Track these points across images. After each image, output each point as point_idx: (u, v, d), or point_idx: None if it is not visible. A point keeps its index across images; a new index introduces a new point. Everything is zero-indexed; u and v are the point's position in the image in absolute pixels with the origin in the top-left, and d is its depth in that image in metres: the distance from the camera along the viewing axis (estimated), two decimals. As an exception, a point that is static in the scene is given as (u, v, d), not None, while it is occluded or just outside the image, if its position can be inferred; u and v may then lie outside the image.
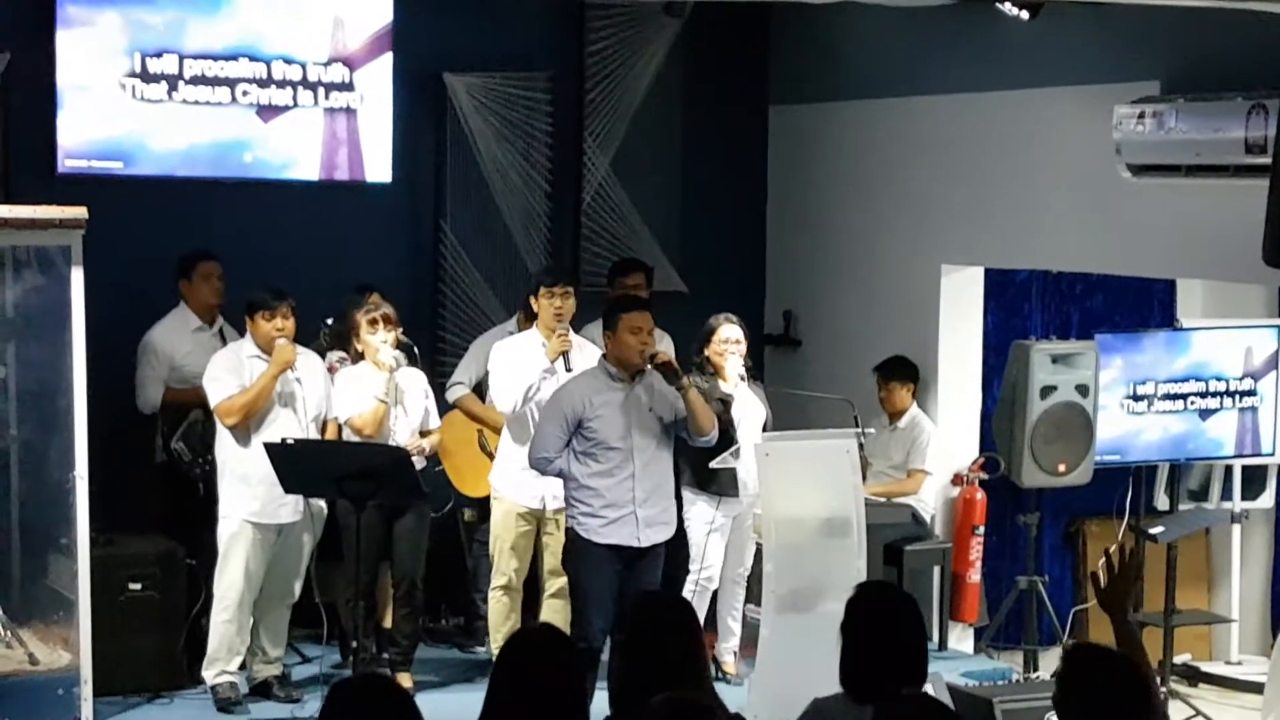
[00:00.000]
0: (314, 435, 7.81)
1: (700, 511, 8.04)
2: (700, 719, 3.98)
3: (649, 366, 7.30)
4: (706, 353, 8.06)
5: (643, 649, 4.46)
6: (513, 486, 7.89)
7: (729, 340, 8.02)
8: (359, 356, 7.99)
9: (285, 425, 7.71)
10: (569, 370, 7.65)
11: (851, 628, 4.53)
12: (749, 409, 8.05)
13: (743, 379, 8.06)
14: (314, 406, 7.84)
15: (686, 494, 8.07)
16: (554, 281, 7.93)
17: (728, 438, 7.80)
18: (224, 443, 7.80)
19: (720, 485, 7.99)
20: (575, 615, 7.38)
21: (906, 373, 9.27)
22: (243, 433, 7.71)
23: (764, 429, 8.04)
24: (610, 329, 7.34)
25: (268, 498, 7.69)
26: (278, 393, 7.74)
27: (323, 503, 7.92)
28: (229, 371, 7.75)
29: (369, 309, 7.96)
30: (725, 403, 7.86)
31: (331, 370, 8.27)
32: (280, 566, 7.88)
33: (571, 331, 7.91)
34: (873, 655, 4.47)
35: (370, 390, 7.82)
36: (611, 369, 7.30)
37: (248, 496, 7.72)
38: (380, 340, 7.86)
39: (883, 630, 4.51)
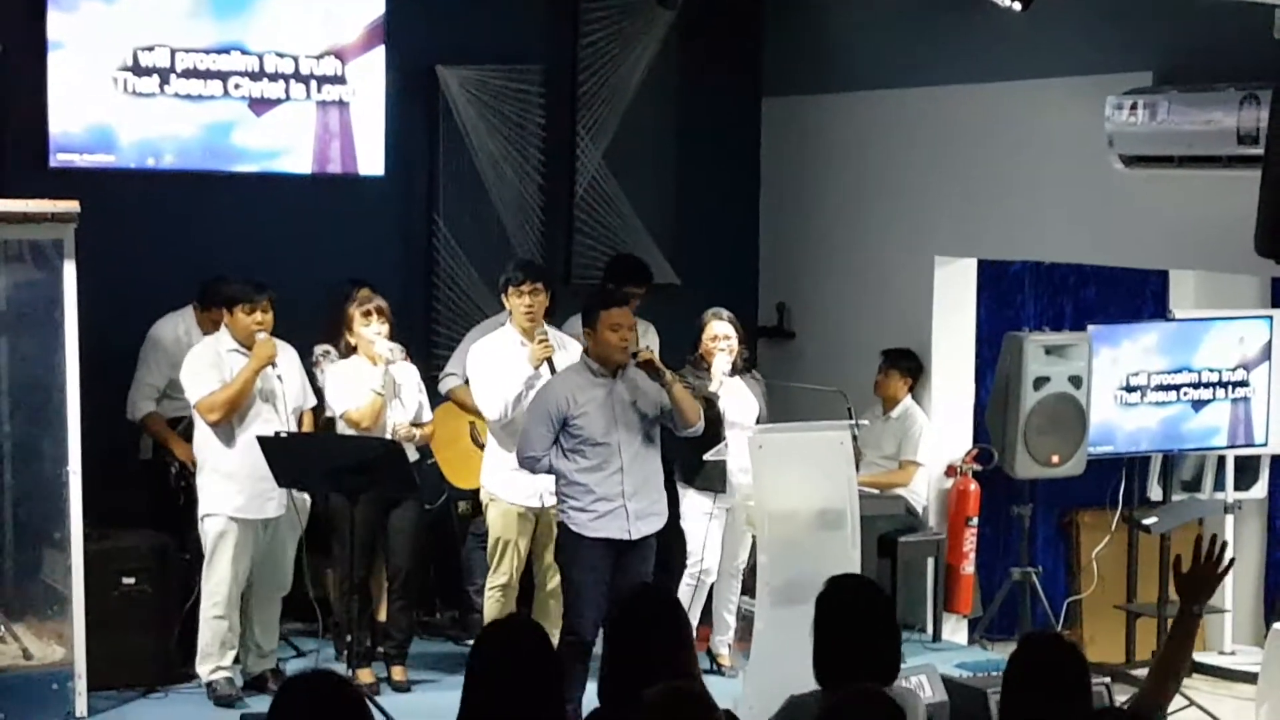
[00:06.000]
0: (293, 428, 7.78)
1: (695, 504, 8.05)
2: (696, 708, 3.99)
3: (631, 363, 7.30)
4: (699, 350, 8.06)
5: (629, 641, 4.48)
6: (508, 488, 7.86)
7: (718, 337, 8.02)
8: (350, 350, 7.98)
9: (268, 420, 7.67)
10: (555, 374, 7.65)
11: (822, 622, 4.52)
12: (741, 404, 8.05)
13: (738, 373, 8.06)
14: (292, 399, 7.81)
15: (679, 488, 8.08)
16: (523, 279, 7.92)
17: (715, 434, 7.82)
18: (205, 440, 7.72)
19: (710, 481, 7.99)
20: (567, 608, 7.40)
21: (907, 365, 9.26)
22: (225, 429, 7.67)
23: (758, 423, 8.04)
24: (590, 326, 7.32)
25: (253, 493, 7.65)
26: (258, 389, 7.69)
27: (305, 495, 7.91)
28: (210, 367, 7.68)
29: (362, 301, 7.94)
30: (710, 401, 7.87)
31: (315, 364, 8.28)
32: (269, 560, 7.85)
33: (552, 330, 7.92)
34: (845, 649, 4.47)
35: (366, 383, 7.81)
36: (593, 365, 7.29)
37: (232, 492, 7.67)
38: (374, 333, 7.85)
39: (854, 624, 4.51)
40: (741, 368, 8.14)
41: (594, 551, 7.24)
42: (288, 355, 7.88)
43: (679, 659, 4.48)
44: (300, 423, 7.91)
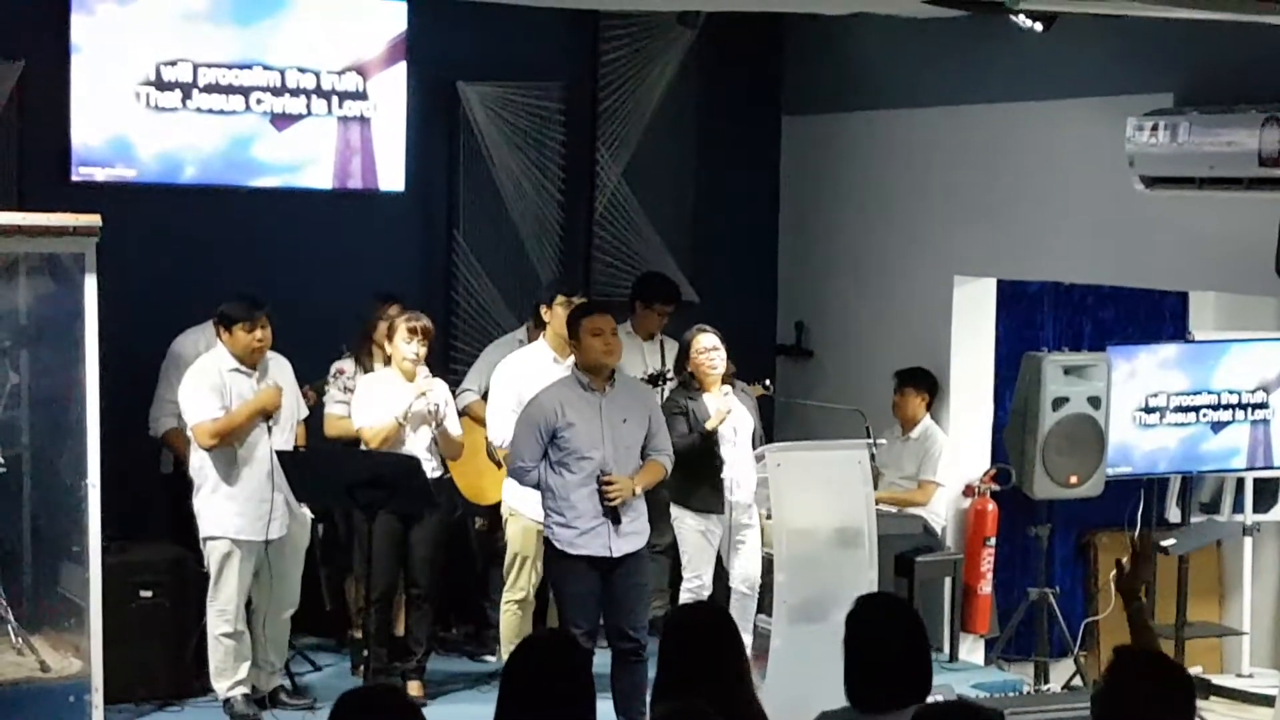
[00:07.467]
0: (291, 445, 7.78)
1: (690, 524, 8.02)
2: None
3: (614, 382, 7.27)
4: (689, 367, 8.02)
5: (684, 656, 4.51)
6: (530, 503, 7.85)
7: (707, 349, 7.97)
8: (385, 359, 7.96)
9: (265, 441, 7.63)
10: (545, 387, 7.60)
11: (853, 640, 4.53)
12: (738, 418, 7.99)
13: (732, 386, 8.02)
14: (289, 415, 7.80)
15: (672, 509, 8.06)
16: (572, 291, 7.97)
17: (712, 457, 7.83)
18: (203, 461, 7.66)
19: (703, 502, 7.96)
20: (560, 619, 7.41)
21: (923, 383, 9.26)
22: (224, 451, 7.62)
23: (753, 437, 8.03)
24: (574, 337, 7.32)
25: (255, 514, 7.61)
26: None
27: (307, 509, 7.90)
28: (213, 390, 7.59)
29: (410, 317, 7.90)
30: (704, 435, 7.83)
31: (332, 378, 8.27)
32: (275, 579, 7.80)
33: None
34: (876, 666, 4.47)
35: (391, 404, 7.78)
36: (583, 378, 7.27)
37: (233, 513, 7.63)
38: (414, 352, 7.82)
39: (885, 641, 4.51)
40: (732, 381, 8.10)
41: (579, 567, 7.23)
42: (281, 367, 7.84)
43: (732, 671, 4.52)
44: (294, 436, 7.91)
